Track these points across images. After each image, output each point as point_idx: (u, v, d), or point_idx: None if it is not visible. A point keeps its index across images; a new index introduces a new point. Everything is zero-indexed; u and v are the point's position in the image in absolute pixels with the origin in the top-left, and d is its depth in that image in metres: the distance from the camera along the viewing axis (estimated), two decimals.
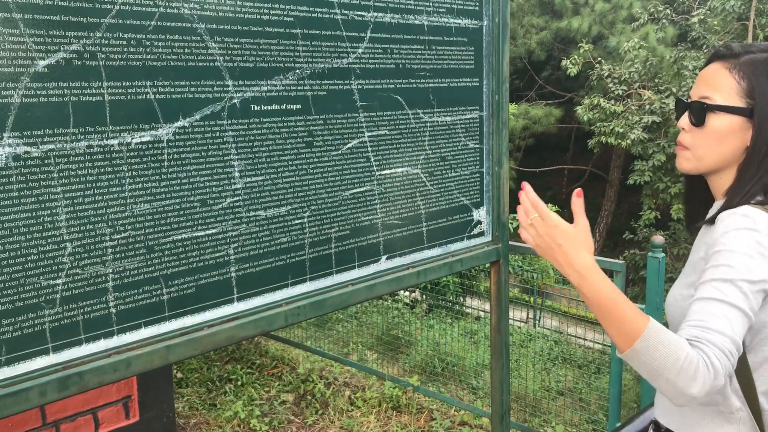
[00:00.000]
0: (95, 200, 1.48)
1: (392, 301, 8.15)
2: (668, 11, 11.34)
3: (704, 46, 10.73)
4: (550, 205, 9.12)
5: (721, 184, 1.36)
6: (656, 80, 11.28)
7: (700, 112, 1.31)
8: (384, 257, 2.18)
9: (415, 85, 2.21)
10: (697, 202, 1.49)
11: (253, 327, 1.79)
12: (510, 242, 2.66)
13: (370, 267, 2.14)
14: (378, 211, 2.14)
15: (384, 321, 6.10)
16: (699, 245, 1.35)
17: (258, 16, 1.75)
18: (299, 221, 1.90)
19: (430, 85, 2.26)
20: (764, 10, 10.44)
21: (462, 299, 8.38)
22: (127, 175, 1.52)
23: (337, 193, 2.00)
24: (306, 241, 1.93)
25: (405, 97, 2.18)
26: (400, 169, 2.20)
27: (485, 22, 2.42)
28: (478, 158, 2.48)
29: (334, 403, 3.49)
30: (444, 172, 2.36)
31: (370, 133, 2.08)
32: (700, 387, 1.03)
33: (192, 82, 1.63)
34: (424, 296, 8.20)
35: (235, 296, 1.77)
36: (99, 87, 1.46)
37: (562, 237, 1.25)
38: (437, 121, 2.30)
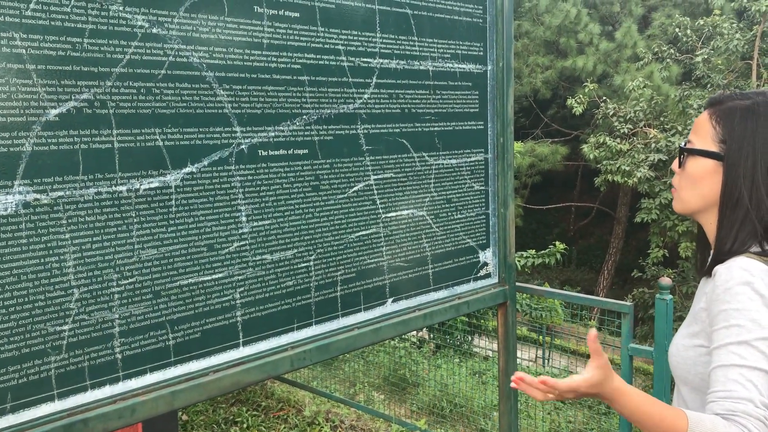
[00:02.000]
0: (103, 246, 1.49)
1: (399, 341, 8.08)
2: (672, 51, 11.46)
3: (708, 85, 10.81)
4: (557, 242, 9.06)
5: (710, 230, 1.38)
6: (661, 118, 11.34)
7: (680, 156, 1.40)
8: (390, 300, 2.18)
9: (420, 129, 2.23)
10: (706, 249, 1.48)
11: (259, 372, 1.78)
12: (517, 283, 2.65)
13: (376, 310, 2.13)
14: (384, 253, 2.14)
15: (391, 361, 6.04)
16: (699, 295, 1.35)
17: (266, 64, 1.78)
18: (305, 264, 1.90)
19: (435, 128, 2.28)
20: (767, 49, 10.54)
21: (470, 339, 8.30)
22: (135, 221, 1.54)
23: (343, 236, 2.01)
24: (312, 285, 1.93)
25: (410, 140, 2.20)
26: (405, 212, 2.21)
27: (489, 67, 2.45)
28: (483, 200, 2.49)
29: None
30: (450, 214, 2.37)
31: (375, 177, 2.10)
32: None
33: (200, 129, 1.65)
34: (431, 335, 8.12)
35: (241, 341, 1.76)
36: (109, 135, 1.49)
37: (583, 389, 1.19)
38: (442, 164, 2.32)
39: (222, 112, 1.69)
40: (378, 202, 2.11)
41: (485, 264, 2.53)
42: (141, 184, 1.55)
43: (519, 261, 8.48)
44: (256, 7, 1.75)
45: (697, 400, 1.30)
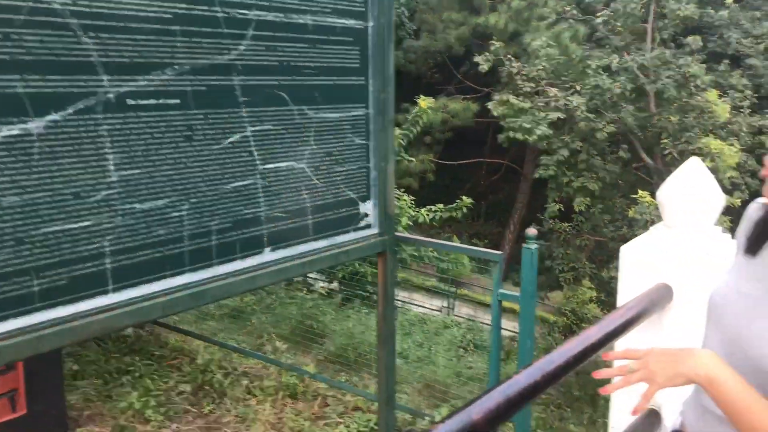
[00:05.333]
0: None
1: (307, 292, 8.17)
2: (575, 11, 11.82)
3: (607, 46, 11.26)
4: (465, 198, 9.24)
5: None
6: (563, 78, 11.74)
7: None
8: (268, 249, 2.25)
9: (299, 82, 2.28)
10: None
11: (129, 317, 1.83)
12: (397, 233, 2.77)
13: (254, 258, 2.20)
14: (262, 204, 2.20)
15: (299, 312, 6.13)
16: None
17: (135, 13, 1.77)
18: (178, 214, 1.94)
19: (315, 82, 2.33)
20: (662, 13, 11.03)
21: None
22: None
23: (219, 186, 2.05)
24: (185, 234, 1.97)
25: (289, 93, 2.24)
26: (284, 164, 2.26)
27: (371, 23, 2.51)
28: (364, 154, 2.58)
29: (231, 392, 3.54)
30: (330, 166, 2.44)
31: (253, 128, 2.14)
32: None
33: (65, 77, 1.64)
34: (342, 287, 8.18)
35: (111, 288, 1.80)
36: None
37: (668, 351, 1.18)
38: (323, 118, 2.38)
39: (88, 60, 1.69)
40: (255, 153, 2.16)
41: (366, 215, 2.63)
42: (0, 131, 1.54)
43: (427, 215, 8.62)
44: None
45: None
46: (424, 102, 8.95)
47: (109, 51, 1.73)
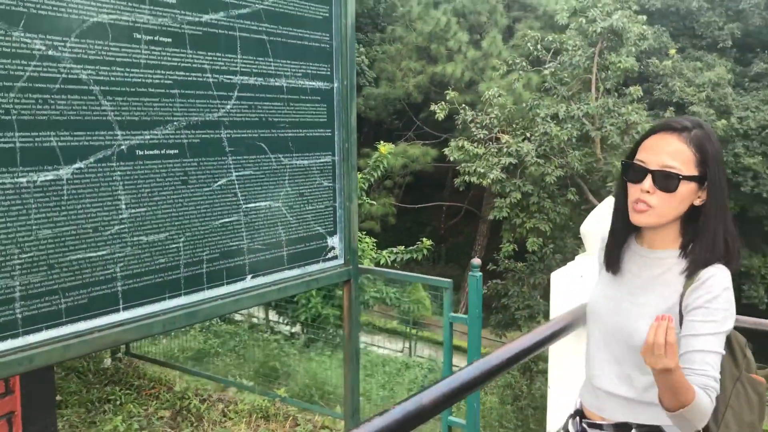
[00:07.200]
0: (6, 226, 1.84)
1: (271, 333, 8.41)
2: (524, 63, 12.59)
3: (555, 95, 12.01)
4: (426, 240, 9.61)
5: (664, 233, 1.65)
6: (513, 125, 12.45)
7: (670, 181, 1.55)
8: (249, 276, 2.62)
9: (276, 134, 2.69)
10: (620, 242, 1.78)
11: (136, 332, 2.18)
12: (360, 265, 3.17)
13: (237, 284, 2.57)
14: (244, 237, 2.58)
15: (262, 354, 6.37)
16: (673, 292, 1.63)
17: (143, 80, 2.17)
18: (175, 245, 2.31)
19: (289, 134, 2.75)
20: (605, 65, 11.86)
21: (341, 332, 8.72)
22: (33, 206, 1.90)
23: (209, 222, 2.43)
24: (181, 262, 2.34)
25: (267, 144, 2.65)
26: (263, 203, 2.66)
27: (336, 84, 2.95)
28: (331, 195, 2.99)
29: (208, 416, 3.84)
30: (302, 206, 2.84)
31: (237, 173, 2.53)
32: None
33: (88, 132, 2.03)
34: (305, 330, 8.36)
35: (121, 306, 2.15)
36: (12, 136, 1.84)
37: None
38: (296, 164, 2.79)
39: (106, 119, 2.07)
40: (239, 194, 2.55)
41: (332, 248, 3.02)
42: (38, 177, 1.91)
43: (389, 257, 8.98)
44: (135, 34, 2.14)
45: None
46: (384, 148, 9.40)
47: (122, 111, 2.12)
